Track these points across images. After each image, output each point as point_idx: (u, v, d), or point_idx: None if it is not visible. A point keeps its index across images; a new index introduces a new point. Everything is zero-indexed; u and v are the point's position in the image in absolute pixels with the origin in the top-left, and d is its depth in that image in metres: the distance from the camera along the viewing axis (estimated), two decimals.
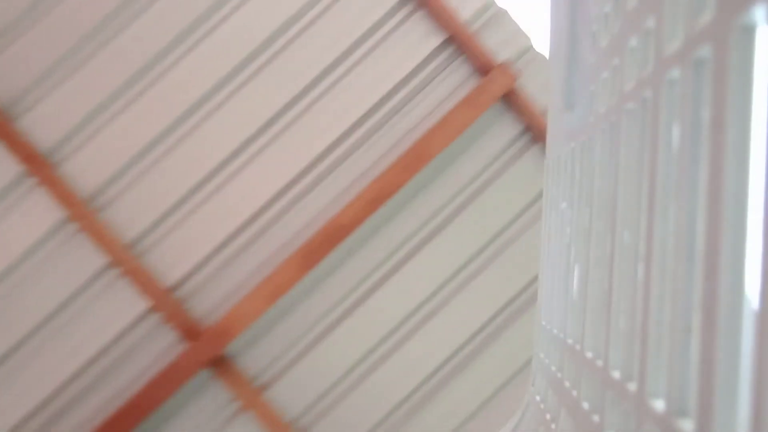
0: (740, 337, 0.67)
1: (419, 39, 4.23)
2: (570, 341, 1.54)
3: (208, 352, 4.05)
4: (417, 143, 4.15)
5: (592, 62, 1.47)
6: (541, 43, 4.31)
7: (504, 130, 4.26)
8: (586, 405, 1.34)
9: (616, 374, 1.13)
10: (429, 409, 4.20)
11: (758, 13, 0.64)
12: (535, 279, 4.05)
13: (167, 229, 4.16)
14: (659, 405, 0.90)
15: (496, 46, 4.26)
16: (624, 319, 1.11)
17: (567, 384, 1.55)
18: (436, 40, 4.23)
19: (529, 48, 4.31)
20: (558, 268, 1.77)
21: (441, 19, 4.21)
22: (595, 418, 1.26)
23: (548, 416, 1.76)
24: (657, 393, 0.92)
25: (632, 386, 1.03)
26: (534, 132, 4.19)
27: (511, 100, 4.23)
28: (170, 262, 4.14)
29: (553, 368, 1.76)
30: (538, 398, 1.98)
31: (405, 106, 4.25)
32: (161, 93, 4.15)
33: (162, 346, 4.12)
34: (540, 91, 4.16)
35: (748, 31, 0.67)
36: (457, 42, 4.23)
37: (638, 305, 1.02)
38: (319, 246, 4.08)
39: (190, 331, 4.07)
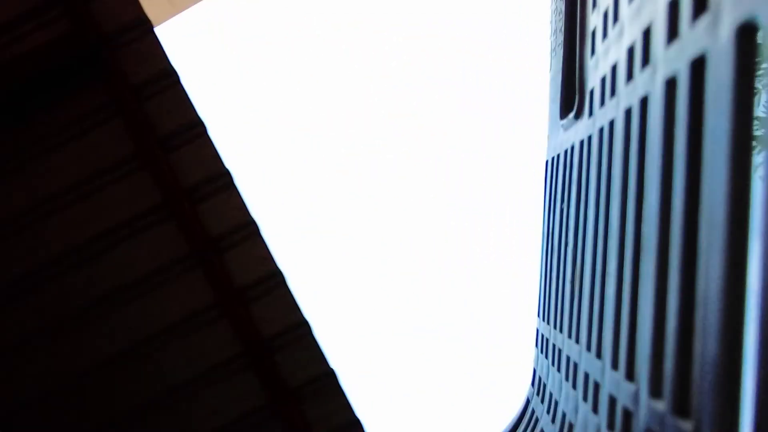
0: (742, 335, 0.67)
1: None
2: (570, 339, 1.54)
3: None
4: None
5: (591, 62, 1.46)
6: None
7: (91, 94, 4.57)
8: (586, 404, 1.34)
9: (617, 373, 1.13)
10: None
11: (758, 14, 0.64)
12: None
13: None
14: (660, 404, 0.90)
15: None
16: (625, 318, 1.11)
17: (567, 382, 1.55)
18: None
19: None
20: (557, 267, 1.77)
21: None
22: (595, 417, 1.25)
23: (548, 415, 1.76)
24: (658, 392, 0.92)
25: (633, 385, 1.03)
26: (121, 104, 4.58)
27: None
28: None
29: (553, 367, 1.76)
30: (538, 397, 1.98)
31: None
32: None
33: None
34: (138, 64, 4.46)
35: (748, 31, 0.67)
36: None
37: (639, 303, 1.02)
38: None
39: None
